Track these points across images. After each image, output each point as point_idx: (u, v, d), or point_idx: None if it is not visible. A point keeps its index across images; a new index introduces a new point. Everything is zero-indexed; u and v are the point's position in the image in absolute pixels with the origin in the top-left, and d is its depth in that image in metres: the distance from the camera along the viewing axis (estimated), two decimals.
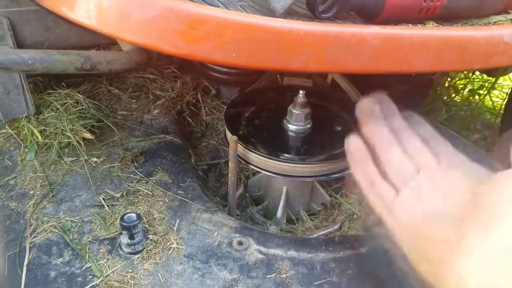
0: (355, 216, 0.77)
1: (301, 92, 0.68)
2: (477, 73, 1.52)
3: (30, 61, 0.45)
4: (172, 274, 0.54)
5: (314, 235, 0.73)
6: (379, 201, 0.49)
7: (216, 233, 0.61)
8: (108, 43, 0.82)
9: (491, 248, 0.34)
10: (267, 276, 0.55)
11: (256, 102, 0.78)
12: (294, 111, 0.70)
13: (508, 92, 1.28)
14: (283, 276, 0.55)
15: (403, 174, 0.48)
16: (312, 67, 0.44)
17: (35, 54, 0.46)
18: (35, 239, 0.58)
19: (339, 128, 0.73)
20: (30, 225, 0.60)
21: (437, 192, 0.45)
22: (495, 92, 1.69)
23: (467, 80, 1.62)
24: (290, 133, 0.72)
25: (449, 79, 1.61)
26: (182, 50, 0.39)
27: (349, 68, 0.46)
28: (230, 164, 0.67)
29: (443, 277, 0.38)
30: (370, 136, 0.53)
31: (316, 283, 0.54)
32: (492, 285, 0.33)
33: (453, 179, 0.45)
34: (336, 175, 0.67)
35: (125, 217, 0.55)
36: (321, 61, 0.44)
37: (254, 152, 0.67)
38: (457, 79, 1.62)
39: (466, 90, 1.63)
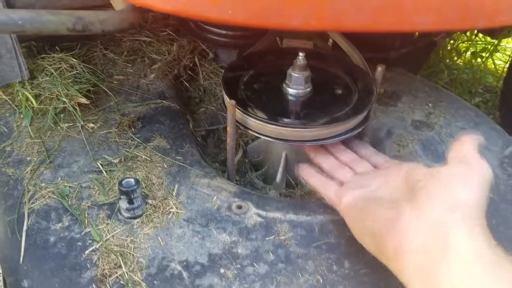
0: None
1: (300, 54, 0.66)
2: (480, 35, 1.49)
3: (19, 22, 0.44)
4: (172, 238, 0.55)
5: (313, 199, 0.73)
6: (328, 192, 0.58)
7: (215, 197, 0.61)
8: (101, 5, 0.79)
9: (422, 224, 0.43)
10: (266, 238, 0.55)
11: (254, 65, 0.76)
12: (293, 74, 0.68)
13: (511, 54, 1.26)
14: (281, 238, 0.55)
15: (344, 175, 0.61)
16: (312, 25, 0.43)
17: (25, 14, 0.44)
18: (33, 205, 0.58)
19: (340, 91, 0.72)
20: (28, 191, 0.60)
21: (376, 179, 0.55)
22: (498, 54, 1.66)
23: (470, 42, 1.59)
24: (290, 97, 0.70)
25: (451, 41, 1.58)
26: (175, 7, 0.37)
27: (350, 26, 0.45)
28: (228, 129, 0.66)
29: (384, 247, 0.45)
30: (318, 163, 0.67)
31: (314, 244, 0.54)
32: (423, 250, 0.42)
33: (389, 171, 0.56)
34: (335, 139, 0.66)
35: (123, 182, 0.55)
36: (322, 18, 0.42)
37: (253, 117, 0.66)
38: (459, 41, 1.58)
39: (469, 53, 1.60)
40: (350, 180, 0.59)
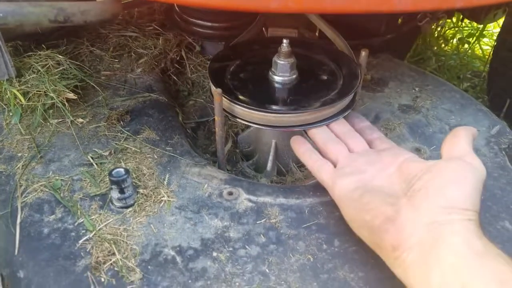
0: None
1: (285, 41, 0.67)
2: (466, 21, 1.50)
3: (1, 14, 0.44)
4: (165, 225, 0.56)
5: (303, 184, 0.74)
6: (322, 175, 0.58)
7: (206, 185, 0.62)
8: None
9: (419, 223, 0.44)
10: (257, 222, 0.56)
11: (240, 55, 0.77)
12: (278, 61, 0.69)
13: (496, 38, 1.27)
14: (272, 221, 0.56)
15: (338, 151, 0.60)
16: (291, 7, 0.43)
17: (6, 7, 0.44)
18: (26, 198, 0.58)
19: (325, 77, 0.72)
20: (21, 186, 0.60)
21: (371, 166, 0.54)
22: (485, 40, 1.67)
23: (456, 29, 1.61)
24: (276, 85, 0.71)
25: (438, 29, 1.60)
26: None
27: (328, 7, 0.46)
28: (216, 118, 0.67)
29: (382, 243, 0.47)
30: (312, 135, 0.66)
31: (304, 225, 0.55)
32: (417, 246, 0.43)
33: (384, 157, 0.55)
34: (322, 123, 0.67)
35: (113, 172, 0.55)
36: (300, 1, 0.43)
37: (240, 105, 0.66)
38: (446, 28, 1.60)
39: (456, 39, 1.62)
40: (344, 162, 0.58)
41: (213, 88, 0.68)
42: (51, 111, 0.71)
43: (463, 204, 0.44)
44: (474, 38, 1.57)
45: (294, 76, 0.71)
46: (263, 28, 0.88)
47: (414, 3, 0.52)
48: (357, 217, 0.51)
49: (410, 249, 0.44)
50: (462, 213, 0.43)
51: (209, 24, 0.87)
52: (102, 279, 0.49)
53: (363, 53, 0.72)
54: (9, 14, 0.44)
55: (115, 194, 0.56)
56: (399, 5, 0.51)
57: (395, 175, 0.52)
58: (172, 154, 0.67)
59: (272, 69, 0.71)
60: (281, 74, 0.70)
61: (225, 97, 0.66)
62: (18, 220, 0.55)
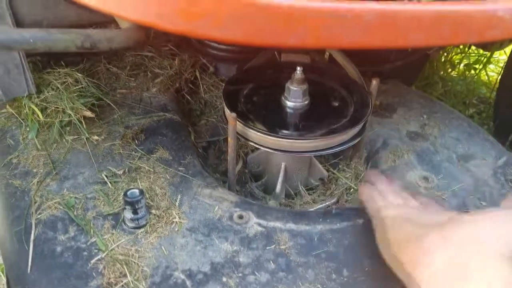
0: (351, 190, 0.79)
1: (298, 68, 0.69)
2: (473, 47, 1.52)
3: (31, 40, 0.46)
4: (176, 247, 0.56)
5: (312, 209, 0.75)
6: (374, 206, 0.58)
7: (217, 207, 0.63)
8: (105, 21, 0.81)
9: (448, 245, 0.43)
10: (267, 248, 0.57)
11: (254, 79, 0.78)
12: (291, 87, 0.71)
13: (503, 66, 1.29)
14: (282, 247, 0.57)
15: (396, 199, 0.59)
16: (308, 43, 0.45)
17: (36, 33, 0.46)
18: (40, 215, 0.59)
19: (337, 104, 0.74)
20: (35, 202, 0.61)
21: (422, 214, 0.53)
22: (491, 66, 1.69)
23: (463, 54, 1.63)
24: (288, 110, 0.72)
25: (445, 54, 1.61)
26: (180, 27, 0.40)
27: (345, 43, 0.47)
28: (229, 140, 0.68)
29: (403, 259, 0.46)
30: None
31: (314, 253, 0.56)
32: (443, 269, 0.42)
33: (429, 214, 0.53)
34: (333, 150, 0.69)
35: (128, 193, 0.56)
36: (318, 37, 0.45)
37: (253, 129, 0.68)
38: (453, 53, 1.62)
39: (462, 64, 1.63)
40: (400, 204, 0.58)
41: (227, 111, 0.70)
42: (67, 128, 0.73)
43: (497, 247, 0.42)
44: (481, 65, 1.59)
45: (306, 102, 0.72)
46: (276, 52, 0.90)
47: (428, 39, 0.54)
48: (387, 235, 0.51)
49: (434, 271, 0.42)
50: (494, 252, 0.41)
51: (223, 47, 0.89)
52: None
53: (374, 82, 0.74)
54: (39, 40, 0.46)
55: (128, 214, 0.57)
56: (414, 42, 0.52)
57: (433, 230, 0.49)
58: (185, 174, 0.68)
59: (285, 94, 0.72)
60: (294, 99, 0.72)
61: (239, 121, 0.67)
62: (32, 237, 0.57)
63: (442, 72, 1.61)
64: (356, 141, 0.72)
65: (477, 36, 0.58)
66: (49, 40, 0.47)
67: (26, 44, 0.46)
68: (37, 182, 0.65)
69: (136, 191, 0.57)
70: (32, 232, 0.57)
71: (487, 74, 1.63)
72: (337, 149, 0.69)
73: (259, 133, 0.68)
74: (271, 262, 0.55)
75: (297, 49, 0.82)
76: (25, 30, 0.47)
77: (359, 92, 0.76)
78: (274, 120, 0.70)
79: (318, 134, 0.68)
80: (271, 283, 0.52)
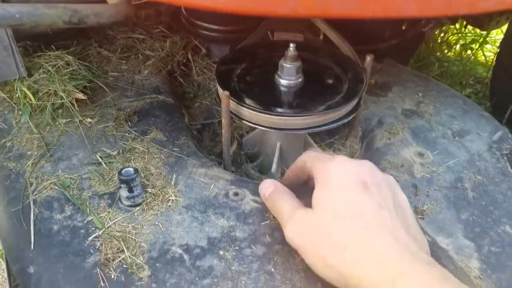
0: None
1: (291, 45, 0.68)
2: (470, 27, 1.52)
3: (17, 15, 0.45)
4: (172, 223, 0.57)
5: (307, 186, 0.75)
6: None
7: (212, 185, 0.63)
8: None
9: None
10: (263, 223, 0.57)
11: (247, 58, 0.78)
12: (285, 64, 0.70)
13: (500, 44, 1.29)
14: (277, 222, 0.57)
15: None
16: (300, 12, 0.45)
17: (22, 8, 0.46)
18: (36, 196, 0.59)
19: (331, 81, 0.74)
20: (31, 184, 0.61)
21: None
22: (488, 46, 1.69)
23: (460, 35, 1.62)
24: (282, 88, 0.72)
25: (441, 34, 1.61)
26: None
27: (336, 12, 0.47)
28: (223, 120, 0.68)
29: None
30: None
31: None
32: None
33: None
34: (328, 126, 0.68)
35: (122, 171, 0.56)
36: (309, 6, 0.44)
37: (247, 107, 0.67)
38: (449, 34, 1.61)
39: (459, 45, 1.63)
40: None
41: (220, 90, 0.69)
42: (60, 110, 0.72)
43: None
44: (477, 45, 1.59)
45: (300, 80, 0.72)
46: (269, 32, 0.90)
47: (420, 9, 0.53)
48: None
49: None
50: None
51: (215, 27, 0.88)
52: (111, 276, 0.50)
53: (368, 58, 0.73)
54: (24, 15, 0.46)
55: (124, 193, 0.57)
56: (406, 12, 0.52)
57: None
58: (179, 154, 0.68)
59: (278, 73, 0.72)
60: (287, 77, 0.71)
61: (232, 99, 0.67)
62: (32, 217, 0.56)
63: (438, 53, 1.61)
64: (351, 117, 0.71)
65: (469, 7, 0.58)
66: (35, 15, 0.46)
67: (11, 19, 0.46)
68: (32, 164, 0.64)
69: (131, 169, 0.57)
70: (31, 212, 0.57)
71: (483, 54, 1.63)
72: (332, 125, 0.69)
73: (252, 111, 0.67)
74: (267, 236, 0.55)
75: (289, 20, 0.81)
76: (10, 5, 0.46)
77: (353, 68, 0.75)
78: (268, 98, 0.70)
79: (312, 111, 0.67)
80: (267, 255, 0.53)
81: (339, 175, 0.48)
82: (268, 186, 0.57)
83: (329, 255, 0.44)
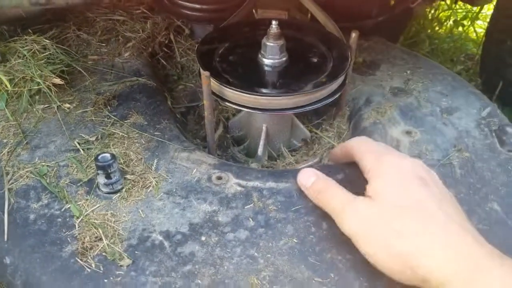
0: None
1: (274, 22, 0.66)
2: (460, 3, 1.49)
3: None
4: (153, 210, 0.55)
5: (293, 169, 0.74)
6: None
7: (195, 170, 0.62)
8: None
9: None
10: (246, 206, 0.56)
11: (229, 37, 0.75)
12: (268, 43, 0.68)
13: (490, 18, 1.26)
14: (261, 205, 0.56)
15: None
16: None
17: None
18: (12, 185, 0.58)
19: (315, 60, 0.72)
20: (7, 173, 0.59)
21: None
22: (479, 22, 1.66)
23: (451, 11, 1.59)
24: (266, 67, 0.70)
25: (432, 11, 1.58)
26: None
27: None
28: (205, 102, 0.66)
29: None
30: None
31: (293, 208, 0.55)
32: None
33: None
34: (313, 106, 0.67)
35: (99, 157, 0.55)
36: None
37: (230, 88, 0.65)
38: (440, 10, 1.58)
39: (450, 22, 1.60)
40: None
41: (201, 71, 0.67)
42: (37, 96, 0.70)
43: None
44: (469, 21, 1.56)
45: (284, 59, 0.70)
46: (253, 10, 0.87)
47: None
48: None
49: None
50: None
51: (198, 6, 0.85)
52: (90, 265, 0.48)
53: (354, 35, 0.71)
54: None
55: (101, 179, 0.55)
56: None
57: None
58: (160, 139, 0.66)
59: (262, 52, 0.70)
60: (271, 56, 0.69)
61: (214, 80, 0.65)
62: (6, 207, 0.55)
63: (429, 30, 1.58)
64: (337, 95, 0.70)
65: None
66: None
67: None
68: (8, 152, 0.62)
69: (108, 155, 0.55)
70: (6, 201, 0.56)
71: (475, 31, 1.61)
72: (317, 104, 0.67)
73: (236, 92, 0.65)
74: (250, 219, 0.54)
75: None
76: None
77: (338, 46, 0.73)
78: (251, 78, 0.68)
79: (297, 90, 0.65)
80: (250, 240, 0.51)
81: (397, 169, 0.49)
82: (309, 176, 0.55)
83: (396, 244, 0.43)
